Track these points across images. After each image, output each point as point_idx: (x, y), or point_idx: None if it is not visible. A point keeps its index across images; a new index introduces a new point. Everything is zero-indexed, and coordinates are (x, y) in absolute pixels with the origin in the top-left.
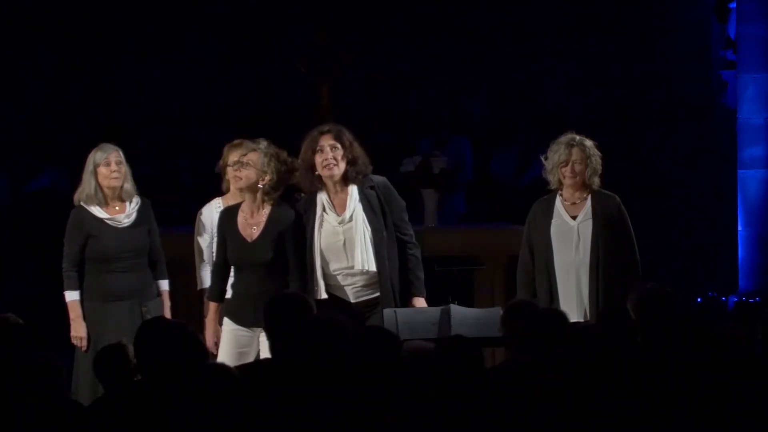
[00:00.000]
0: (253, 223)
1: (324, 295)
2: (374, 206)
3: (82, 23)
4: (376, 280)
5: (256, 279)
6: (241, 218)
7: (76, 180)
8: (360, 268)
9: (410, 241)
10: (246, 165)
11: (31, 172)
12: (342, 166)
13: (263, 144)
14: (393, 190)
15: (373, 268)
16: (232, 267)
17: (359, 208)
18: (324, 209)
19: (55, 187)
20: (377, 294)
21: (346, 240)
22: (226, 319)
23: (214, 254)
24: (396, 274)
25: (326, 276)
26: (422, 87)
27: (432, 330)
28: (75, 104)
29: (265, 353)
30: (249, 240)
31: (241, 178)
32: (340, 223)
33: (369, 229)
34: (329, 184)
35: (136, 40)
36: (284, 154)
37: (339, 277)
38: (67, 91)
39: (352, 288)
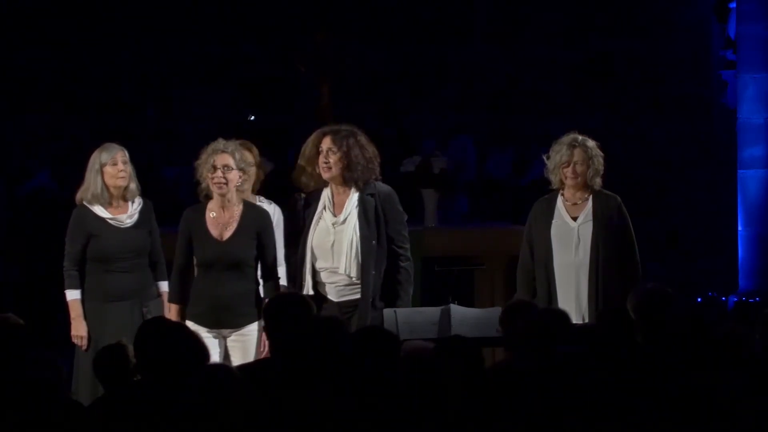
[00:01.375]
0: (224, 222)
1: (310, 291)
2: (369, 214)
3: (79, 22)
4: (357, 283)
5: (225, 279)
6: (210, 217)
7: (67, 180)
8: (343, 271)
9: (403, 254)
10: (228, 169)
11: (24, 174)
12: (335, 170)
13: (223, 143)
14: (395, 202)
15: (354, 273)
16: (197, 268)
17: (354, 213)
18: (324, 207)
19: (48, 188)
20: (358, 295)
21: (335, 241)
22: (190, 323)
23: (176, 255)
24: (381, 284)
25: (314, 272)
26: (423, 87)
27: (432, 330)
28: (70, 104)
29: (234, 356)
30: (221, 239)
31: (227, 183)
32: (333, 224)
33: (357, 235)
34: (331, 183)
35: (134, 39)
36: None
37: (323, 275)
38: (62, 90)
39: (335, 286)
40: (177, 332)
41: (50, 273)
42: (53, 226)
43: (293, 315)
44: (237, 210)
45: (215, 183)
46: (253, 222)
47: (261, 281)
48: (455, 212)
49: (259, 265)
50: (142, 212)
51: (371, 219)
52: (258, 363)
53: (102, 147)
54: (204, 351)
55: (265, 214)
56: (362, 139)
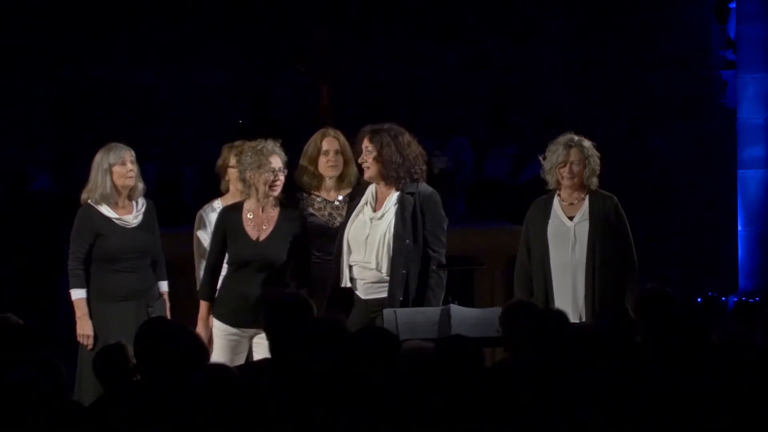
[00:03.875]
0: (260, 222)
1: (348, 284)
2: (406, 213)
3: (79, 23)
4: (386, 280)
5: (256, 279)
6: (246, 217)
7: (61, 180)
8: (373, 266)
9: (437, 258)
10: (282, 170)
11: (22, 174)
12: (373, 169)
13: (272, 144)
14: (435, 204)
15: (385, 270)
16: (228, 266)
17: (392, 210)
18: (367, 202)
19: (44, 188)
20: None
21: (370, 235)
22: (218, 323)
23: (209, 252)
24: (414, 284)
25: (348, 266)
26: (422, 87)
27: (432, 330)
28: (70, 105)
29: (259, 355)
30: (257, 239)
31: (279, 184)
32: (371, 219)
33: (391, 231)
34: (374, 182)
35: (134, 40)
36: None
37: (355, 270)
38: (63, 90)
39: (364, 283)
40: (177, 332)
41: (48, 272)
42: (50, 226)
43: (293, 315)
44: (273, 211)
45: (273, 186)
46: (290, 224)
47: (292, 283)
48: (453, 212)
49: (289, 267)
50: (146, 212)
51: (408, 218)
52: (258, 363)
53: (108, 147)
54: (204, 351)
55: (299, 215)
56: (402, 138)
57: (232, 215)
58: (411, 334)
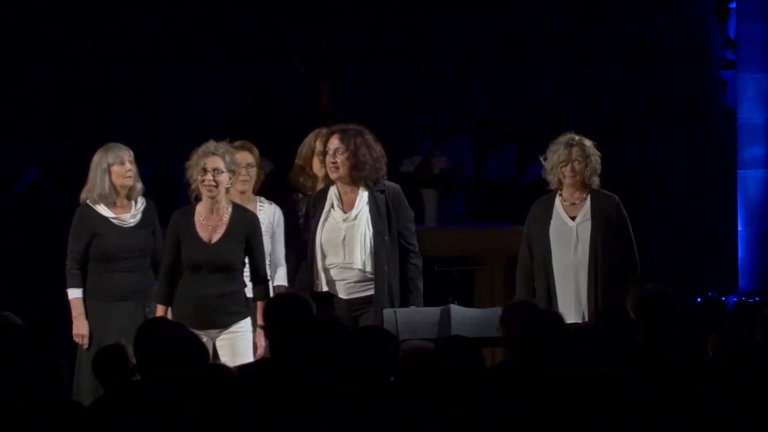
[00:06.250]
0: (212, 225)
1: (324, 288)
2: (381, 210)
3: (78, 23)
4: (370, 278)
5: (212, 281)
6: (198, 220)
7: (59, 179)
8: (358, 266)
9: (413, 250)
10: (219, 172)
11: (16, 172)
12: (343, 170)
13: (214, 145)
14: (403, 199)
15: (369, 267)
16: (184, 270)
17: (366, 209)
18: (332, 205)
19: (40, 185)
20: (370, 292)
21: (347, 236)
22: None
23: (164, 256)
24: (395, 280)
25: (323, 270)
26: (423, 87)
27: (432, 330)
28: (68, 104)
29: (224, 355)
30: (209, 242)
31: (217, 186)
32: (344, 220)
33: (371, 230)
34: (338, 183)
35: (134, 39)
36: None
37: (333, 272)
38: (60, 90)
39: (345, 283)
40: (177, 332)
41: (45, 272)
42: (46, 224)
43: (293, 315)
44: (226, 213)
45: (205, 186)
46: (242, 225)
47: (250, 283)
48: (455, 212)
49: (247, 268)
50: (145, 212)
51: (383, 215)
52: (258, 363)
53: (106, 147)
54: (204, 351)
55: (254, 218)
56: (369, 138)
57: (184, 218)
58: (411, 334)
